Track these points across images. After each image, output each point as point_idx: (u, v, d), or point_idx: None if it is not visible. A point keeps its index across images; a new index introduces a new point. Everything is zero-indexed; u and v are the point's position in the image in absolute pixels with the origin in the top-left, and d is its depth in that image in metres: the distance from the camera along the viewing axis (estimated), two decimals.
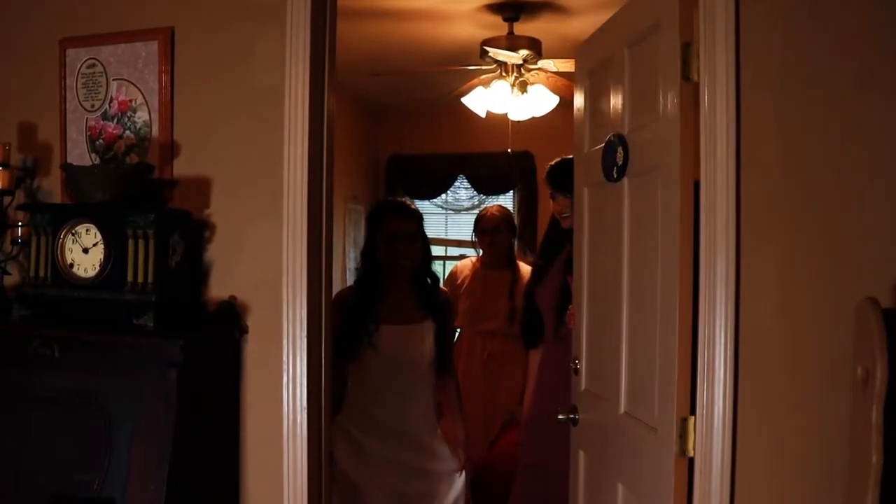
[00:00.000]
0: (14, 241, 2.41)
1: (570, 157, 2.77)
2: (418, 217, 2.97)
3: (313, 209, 2.24)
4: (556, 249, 3.02)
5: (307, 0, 2.21)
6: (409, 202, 2.93)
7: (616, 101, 2.29)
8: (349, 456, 2.77)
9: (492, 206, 4.44)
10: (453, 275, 4.35)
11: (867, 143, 1.92)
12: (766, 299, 1.97)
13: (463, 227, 6.97)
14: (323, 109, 2.29)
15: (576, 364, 2.53)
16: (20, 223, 2.39)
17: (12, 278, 2.46)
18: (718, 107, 1.99)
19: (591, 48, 2.61)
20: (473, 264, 4.32)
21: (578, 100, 2.64)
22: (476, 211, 6.79)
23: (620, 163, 2.21)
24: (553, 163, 3.06)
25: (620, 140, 2.21)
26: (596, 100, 2.50)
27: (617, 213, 2.24)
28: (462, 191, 6.72)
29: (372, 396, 2.83)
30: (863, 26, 1.93)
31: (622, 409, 2.19)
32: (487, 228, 4.16)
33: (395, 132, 6.61)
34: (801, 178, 1.96)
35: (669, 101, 1.99)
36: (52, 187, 2.49)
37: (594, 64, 2.53)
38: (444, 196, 6.76)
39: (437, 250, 7.13)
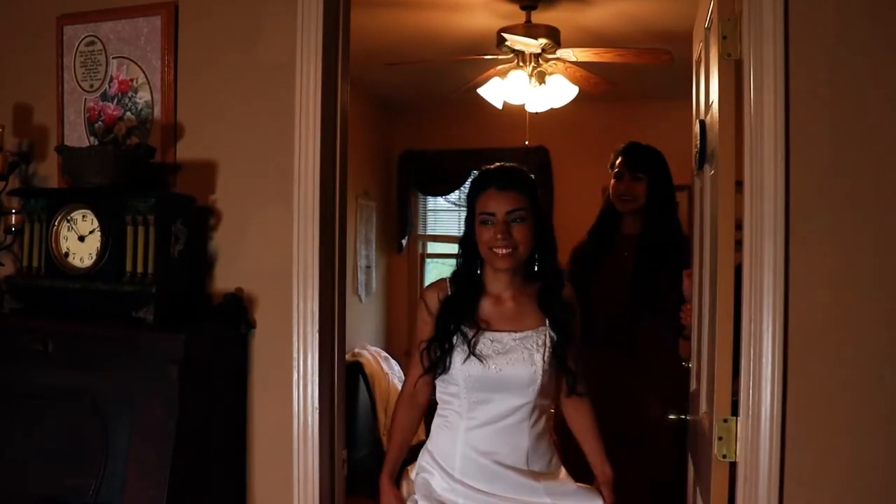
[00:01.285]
0: (7, 230, 2.27)
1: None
2: (528, 188, 2.03)
3: (326, 194, 2.10)
4: (609, 235, 2.87)
5: None
6: (520, 167, 2.08)
7: (699, 83, 2.24)
8: None
9: None
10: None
11: None
12: (818, 288, 1.80)
13: None
14: (336, 88, 2.15)
15: (687, 364, 2.43)
16: (14, 210, 2.25)
17: (5, 269, 2.31)
18: (766, 85, 1.84)
19: None
20: None
21: None
22: None
23: (699, 150, 2.14)
24: (628, 143, 2.94)
25: (701, 125, 2.10)
26: None
27: (701, 206, 2.20)
28: None
29: (467, 430, 2.00)
30: None
31: (702, 408, 2.10)
32: None
33: (407, 127, 6.46)
34: (854, 160, 1.80)
35: (719, 81, 1.85)
36: (48, 173, 2.35)
37: None
38: (457, 192, 6.60)
39: (450, 248, 7.00)
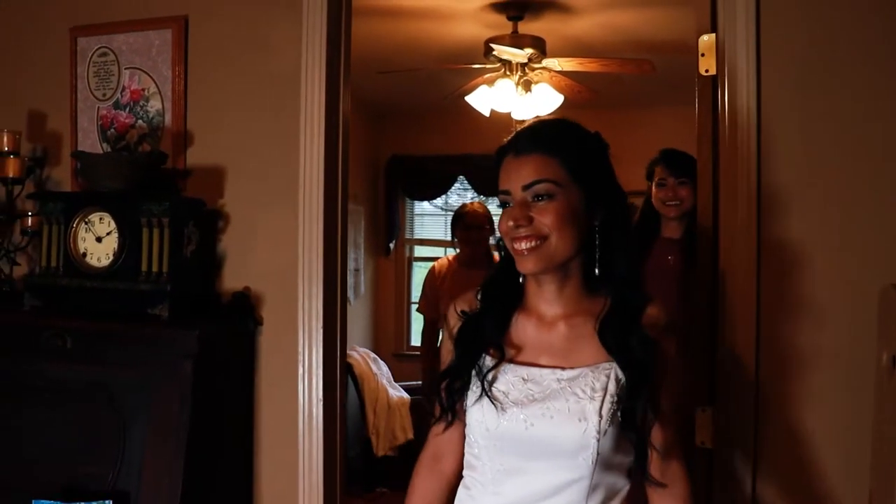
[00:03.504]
0: (23, 232, 2.38)
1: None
2: (563, 147, 1.41)
3: (329, 199, 2.22)
4: (648, 241, 2.82)
5: None
6: (557, 120, 1.53)
7: None
8: None
9: (473, 203, 4.35)
10: (435, 274, 4.28)
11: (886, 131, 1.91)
12: (788, 291, 1.96)
13: None
14: (338, 98, 2.27)
15: None
16: (30, 213, 2.36)
17: (20, 269, 2.42)
18: (739, 98, 1.99)
19: None
20: (450, 262, 4.27)
21: None
22: None
23: None
24: (662, 150, 2.92)
25: None
26: None
27: None
28: (462, 192, 6.71)
29: None
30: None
31: None
32: (472, 225, 4.08)
33: (395, 132, 6.58)
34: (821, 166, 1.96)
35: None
36: (61, 177, 2.46)
37: None
38: (443, 197, 6.74)
39: (436, 252, 7.13)
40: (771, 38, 1.97)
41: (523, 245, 1.39)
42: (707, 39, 2.06)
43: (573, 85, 4.62)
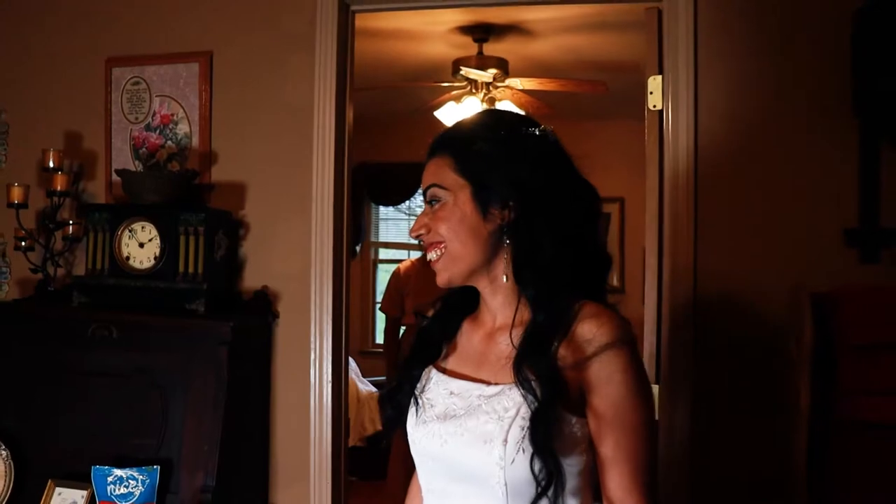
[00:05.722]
0: (64, 238, 2.71)
1: None
2: (463, 146, 1.31)
3: (337, 209, 2.61)
4: None
5: (334, 29, 2.59)
6: (476, 116, 1.39)
7: None
8: None
9: None
10: (400, 275, 4.69)
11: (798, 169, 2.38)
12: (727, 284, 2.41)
13: None
14: (345, 122, 2.66)
15: None
16: (71, 221, 2.69)
17: (59, 271, 2.75)
18: (680, 130, 2.43)
19: None
20: (414, 264, 4.70)
21: None
22: None
23: None
24: None
25: None
26: None
27: None
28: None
29: None
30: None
31: None
32: None
33: (362, 140, 6.86)
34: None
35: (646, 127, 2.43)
36: (96, 190, 2.80)
37: None
38: (407, 202, 7.13)
39: (400, 254, 7.52)
40: (707, 79, 2.42)
41: (431, 254, 1.31)
42: (655, 80, 2.50)
43: (533, 101, 5.07)
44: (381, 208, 7.29)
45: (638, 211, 4.78)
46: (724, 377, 2.38)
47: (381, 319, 6.64)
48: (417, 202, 7.15)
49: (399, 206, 7.22)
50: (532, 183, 1.27)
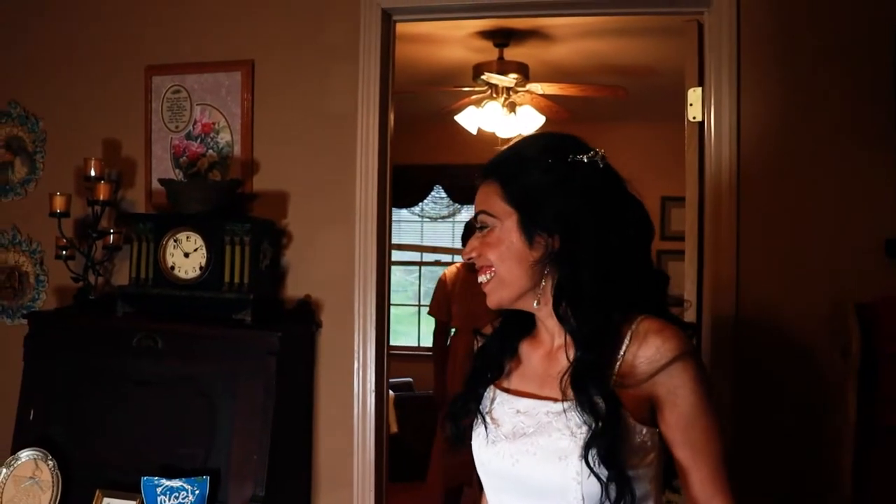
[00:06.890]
0: (105, 247, 2.71)
1: None
2: (512, 173, 1.33)
3: (381, 218, 2.62)
4: None
5: (377, 38, 2.60)
6: (527, 140, 1.40)
7: None
8: None
9: None
10: (446, 281, 4.72)
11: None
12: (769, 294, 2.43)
13: (440, 234, 7.39)
14: (388, 133, 2.67)
15: None
16: (111, 230, 2.70)
17: (101, 280, 2.75)
18: (723, 143, 2.45)
19: None
20: (459, 270, 4.72)
21: None
22: (451, 219, 7.22)
23: None
24: None
25: None
26: None
27: None
28: (439, 199, 7.12)
29: None
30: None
31: None
32: None
33: None
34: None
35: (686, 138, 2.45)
36: (135, 198, 2.80)
37: None
38: (420, 205, 7.14)
39: (412, 256, 7.54)
40: (749, 91, 2.43)
41: (482, 277, 1.35)
42: (695, 92, 2.52)
43: (552, 106, 5.08)
44: (395, 210, 7.29)
45: (650, 211, 4.80)
46: (765, 385, 2.40)
47: (396, 321, 6.67)
48: (429, 206, 7.16)
49: (412, 209, 7.23)
50: (577, 217, 1.29)
